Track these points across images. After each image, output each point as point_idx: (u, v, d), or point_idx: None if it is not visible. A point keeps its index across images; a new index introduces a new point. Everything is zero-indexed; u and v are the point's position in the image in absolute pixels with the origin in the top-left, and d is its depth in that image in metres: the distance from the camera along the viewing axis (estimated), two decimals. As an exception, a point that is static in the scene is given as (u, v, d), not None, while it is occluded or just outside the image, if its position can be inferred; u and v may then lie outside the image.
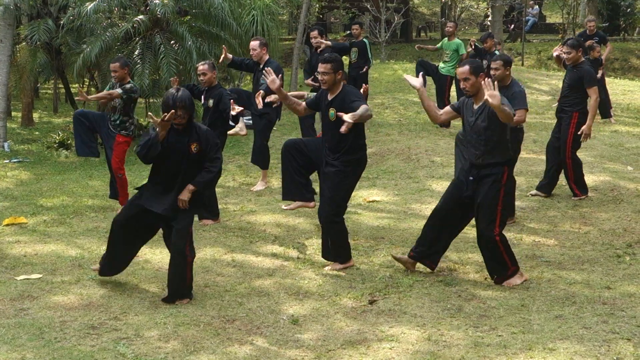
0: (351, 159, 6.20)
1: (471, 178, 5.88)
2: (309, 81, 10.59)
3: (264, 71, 6.45)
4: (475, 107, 5.85)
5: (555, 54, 8.73)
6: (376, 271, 6.29)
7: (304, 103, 6.51)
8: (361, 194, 8.87)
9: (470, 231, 6.62)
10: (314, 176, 6.81)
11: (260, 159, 9.40)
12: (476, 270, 6.24)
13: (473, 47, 12.16)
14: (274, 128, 9.95)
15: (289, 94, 6.73)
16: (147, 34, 13.05)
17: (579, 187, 8.40)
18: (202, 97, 8.12)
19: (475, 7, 33.55)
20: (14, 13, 13.78)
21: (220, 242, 7.23)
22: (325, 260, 6.48)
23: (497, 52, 12.02)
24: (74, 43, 13.91)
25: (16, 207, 8.79)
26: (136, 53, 12.93)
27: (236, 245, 7.14)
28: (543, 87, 16.17)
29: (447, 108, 6.21)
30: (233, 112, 7.63)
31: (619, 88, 16.16)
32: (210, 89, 8.04)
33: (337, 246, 6.35)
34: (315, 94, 6.59)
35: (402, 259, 6.23)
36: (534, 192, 8.58)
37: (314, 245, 7.01)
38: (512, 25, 27.44)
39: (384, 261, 6.54)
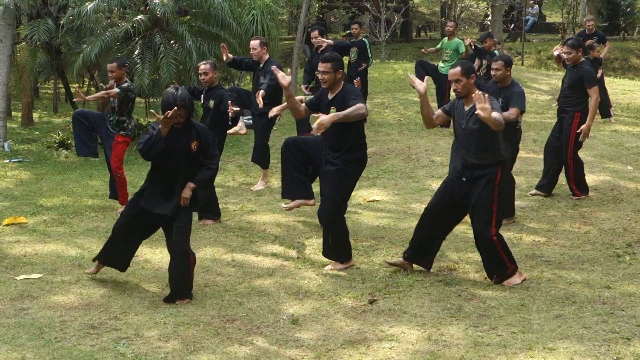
0: (352, 158, 6.20)
1: (464, 179, 5.88)
2: (304, 88, 10.61)
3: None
4: (466, 108, 5.84)
5: (555, 53, 8.73)
6: (376, 271, 6.29)
7: (303, 104, 6.53)
8: (361, 194, 8.88)
9: (470, 231, 6.60)
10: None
11: (261, 158, 9.40)
12: (476, 270, 6.24)
13: (473, 47, 12.15)
14: (274, 127, 9.95)
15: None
16: (147, 34, 13.05)
17: (579, 187, 8.41)
18: (202, 97, 8.11)
19: (475, 6, 33.55)
20: (14, 13, 13.78)
21: (220, 242, 7.24)
22: (325, 260, 6.48)
23: (496, 51, 12.02)
24: (74, 43, 13.90)
25: (16, 207, 8.79)
26: (136, 53, 12.93)
27: (236, 245, 7.14)
28: (543, 86, 16.16)
29: (439, 111, 6.19)
30: (230, 114, 7.60)
31: (618, 87, 16.16)
32: (211, 89, 8.04)
33: (337, 246, 6.35)
34: (312, 96, 6.59)
35: (396, 262, 6.22)
36: (533, 191, 8.59)
37: (314, 245, 7.01)
38: (512, 25, 27.44)
39: (384, 261, 6.53)
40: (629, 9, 26.70)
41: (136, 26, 12.85)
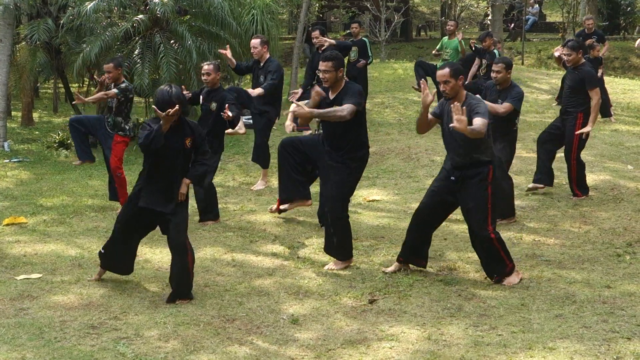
0: (355, 156, 6.21)
1: (452, 178, 5.87)
2: (290, 98, 10.60)
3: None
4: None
5: (556, 54, 8.74)
6: (376, 270, 6.29)
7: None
8: (361, 194, 8.87)
9: (470, 230, 6.61)
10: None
11: (261, 157, 9.39)
12: (476, 270, 6.23)
13: (473, 47, 12.14)
14: (274, 127, 9.95)
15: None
16: (146, 34, 13.03)
17: (579, 187, 8.41)
18: (202, 98, 8.05)
19: (476, 6, 33.51)
20: (13, 13, 13.75)
21: (220, 241, 7.23)
22: (325, 259, 6.48)
23: (496, 51, 12.00)
24: (74, 42, 13.87)
25: (16, 207, 8.79)
26: (136, 52, 12.91)
27: (236, 244, 7.14)
28: (543, 86, 16.15)
29: (430, 117, 6.16)
30: (225, 117, 7.56)
31: (619, 87, 16.15)
32: (213, 91, 7.96)
33: (339, 244, 6.35)
34: (308, 101, 6.57)
35: (394, 270, 6.21)
36: (531, 185, 8.55)
37: (314, 245, 7.01)
38: (512, 24, 27.42)
39: (384, 261, 6.53)
40: (629, 8, 26.69)
41: (136, 26, 12.83)
